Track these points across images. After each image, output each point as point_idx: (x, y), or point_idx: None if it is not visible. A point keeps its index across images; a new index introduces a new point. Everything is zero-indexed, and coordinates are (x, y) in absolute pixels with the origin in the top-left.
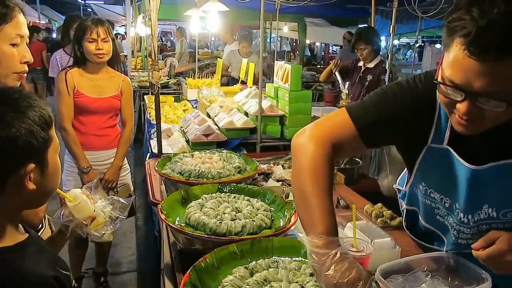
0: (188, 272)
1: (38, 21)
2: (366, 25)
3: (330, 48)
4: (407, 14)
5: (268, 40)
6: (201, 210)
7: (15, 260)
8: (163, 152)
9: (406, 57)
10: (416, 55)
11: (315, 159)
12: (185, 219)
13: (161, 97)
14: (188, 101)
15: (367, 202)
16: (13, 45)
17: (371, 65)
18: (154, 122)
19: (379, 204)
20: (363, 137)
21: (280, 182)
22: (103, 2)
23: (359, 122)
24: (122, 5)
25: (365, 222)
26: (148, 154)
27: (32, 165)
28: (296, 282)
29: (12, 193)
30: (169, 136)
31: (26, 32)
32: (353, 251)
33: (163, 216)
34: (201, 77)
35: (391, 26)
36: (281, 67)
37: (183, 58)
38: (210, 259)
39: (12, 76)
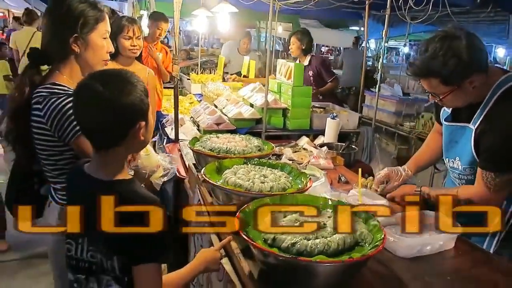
0: (238, 213)
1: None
2: (356, 28)
3: (323, 48)
4: (396, 19)
5: (262, 40)
6: (235, 175)
7: (134, 187)
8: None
9: (394, 59)
10: (404, 58)
11: None
12: (223, 182)
13: (165, 91)
14: (194, 95)
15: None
16: (104, 38)
17: (305, 62)
18: (164, 112)
19: (371, 177)
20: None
21: (291, 161)
22: None
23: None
24: (117, 0)
25: (364, 190)
26: (165, 140)
27: (143, 123)
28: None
29: (129, 143)
30: (181, 125)
31: (109, 28)
32: (359, 203)
33: (207, 178)
34: (204, 72)
35: (384, 30)
36: (284, 65)
37: (179, 54)
38: (252, 206)
39: (101, 63)
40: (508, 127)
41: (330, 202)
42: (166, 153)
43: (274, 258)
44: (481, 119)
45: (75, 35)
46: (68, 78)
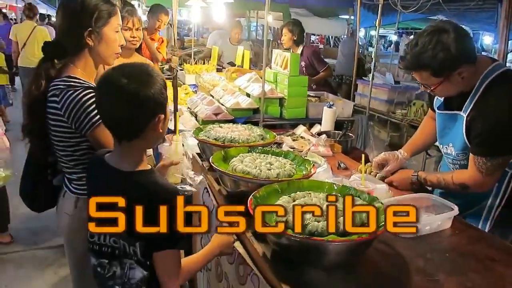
0: (250, 198)
1: (15, 5)
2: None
3: (312, 37)
4: (386, 8)
5: (252, 29)
6: (242, 163)
7: (154, 178)
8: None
9: (383, 48)
10: (393, 46)
11: None
12: (230, 170)
13: None
14: (188, 85)
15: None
16: (116, 32)
17: (298, 52)
18: None
19: (369, 163)
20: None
21: (292, 149)
22: None
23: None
24: None
25: (365, 174)
26: None
27: (162, 116)
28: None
29: (148, 135)
30: (179, 116)
31: (121, 22)
32: (362, 187)
33: (216, 166)
34: (198, 63)
35: (377, 19)
36: (280, 55)
37: (170, 45)
38: (262, 192)
39: (113, 55)
40: (497, 113)
41: (335, 187)
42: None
43: (287, 239)
44: (471, 106)
45: (90, 29)
46: (82, 71)
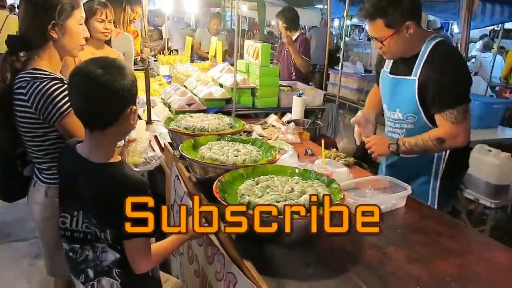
0: (216, 183)
1: None
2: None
3: None
4: None
5: (227, 19)
6: (210, 151)
7: (124, 170)
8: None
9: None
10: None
11: None
12: (199, 157)
13: (135, 73)
14: (162, 76)
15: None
16: (80, 24)
17: (293, 37)
18: None
19: (334, 149)
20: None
21: (261, 137)
22: None
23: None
24: None
25: (328, 159)
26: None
27: (134, 107)
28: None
29: (120, 126)
30: (153, 107)
31: (84, 14)
32: (322, 170)
33: (185, 154)
34: (172, 54)
35: (345, 10)
36: (252, 45)
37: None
38: (227, 176)
39: (78, 47)
40: (448, 70)
41: (297, 171)
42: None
43: (250, 219)
44: (420, 69)
45: (53, 22)
46: (47, 63)
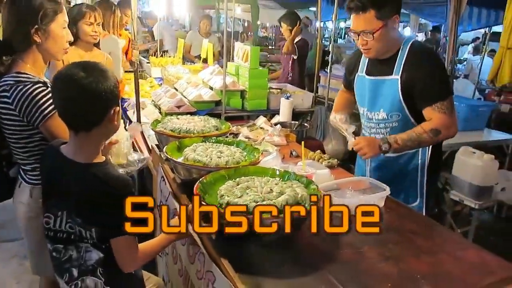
0: (197, 184)
1: None
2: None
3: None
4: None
5: (221, 21)
6: (194, 152)
7: (108, 169)
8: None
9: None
10: None
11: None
12: (183, 159)
13: (126, 75)
14: (154, 78)
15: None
16: (63, 28)
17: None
18: (125, 97)
19: (318, 151)
20: (347, 88)
21: (248, 139)
22: None
23: (343, 83)
24: None
25: (311, 161)
26: (128, 122)
27: (117, 108)
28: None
29: (104, 127)
30: (143, 109)
31: (67, 19)
32: (302, 171)
33: (169, 156)
34: (164, 55)
35: (333, 14)
36: (241, 48)
37: (138, 37)
38: (209, 178)
39: (61, 51)
40: (431, 65)
41: (277, 172)
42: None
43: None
44: (402, 67)
45: (36, 26)
46: (31, 67)
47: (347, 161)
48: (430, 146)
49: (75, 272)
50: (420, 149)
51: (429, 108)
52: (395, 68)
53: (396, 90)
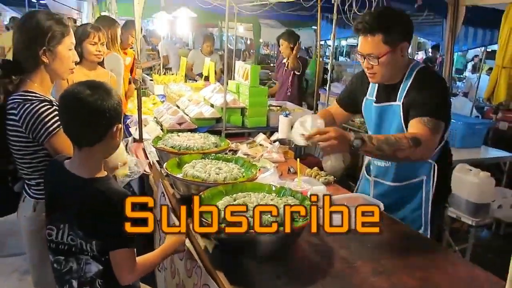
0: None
1: None
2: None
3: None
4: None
5: (224, 39)
6: (193, 169)
7: (110, 184)
8: (143, 137)
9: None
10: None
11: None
12: (182, 175)
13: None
14: (156, 95)
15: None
16: (69, 50)
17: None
18: (128, 114)
19: (315, 168)
20: (340, 105)
21: (247, 155)
22: None
23: (338, 98)
24: None
25: (308, 178)
26: (130, 139)
27: (120, 125)
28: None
29: (106, 143)
30: (145, 125)
31: (74, 40)
32: (298, 188)
33: (169, 172)
34: (166, 73)
35: (332, 34)
36: (242, 67)
37: (142, 55)
38: (207, 193)
39: (68, 71)
40: (431, 90)
41: (273, 188)
42: (134, 155)
43: (226, 234)
44: (405, 93)
45: (44, 48)
46: (39, 86)
47: (346, 179)
48: (435, 178)
49: (75, 283)
50: (425, 179)
51: (417, 119)
52: (398, 93)
53: (398, 116)
